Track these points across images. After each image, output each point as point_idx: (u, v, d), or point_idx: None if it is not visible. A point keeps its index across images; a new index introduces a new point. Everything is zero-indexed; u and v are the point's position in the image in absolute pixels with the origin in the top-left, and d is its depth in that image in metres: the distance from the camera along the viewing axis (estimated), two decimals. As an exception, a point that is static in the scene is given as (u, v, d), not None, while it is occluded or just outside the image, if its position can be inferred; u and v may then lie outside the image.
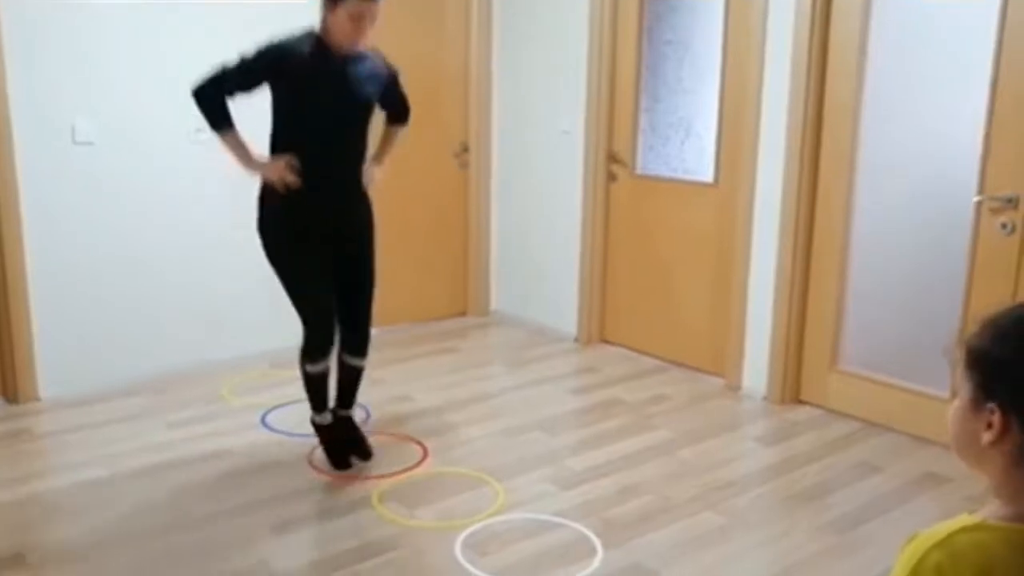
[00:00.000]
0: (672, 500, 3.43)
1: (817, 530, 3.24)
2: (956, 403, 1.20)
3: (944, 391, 3.89)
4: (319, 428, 3.67)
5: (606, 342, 5.26)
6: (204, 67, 4.16)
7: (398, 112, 3.67)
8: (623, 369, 4.88)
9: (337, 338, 3.53)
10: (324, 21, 3.23)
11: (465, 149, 5.60)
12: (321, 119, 3.25)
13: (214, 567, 2.94)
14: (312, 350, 3.46)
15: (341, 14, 3.16)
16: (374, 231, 3.55)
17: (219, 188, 4.55)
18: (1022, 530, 1.13)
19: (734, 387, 4.57)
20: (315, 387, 3.57)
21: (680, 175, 4.83)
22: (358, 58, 3.32)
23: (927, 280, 3.97)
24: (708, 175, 4.66)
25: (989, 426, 1.14)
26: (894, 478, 3.64)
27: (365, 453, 3.67)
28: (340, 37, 3.21)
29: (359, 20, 3.16)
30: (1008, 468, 1.14)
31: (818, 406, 4.33)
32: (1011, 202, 3.59)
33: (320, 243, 3.36)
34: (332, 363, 3.54)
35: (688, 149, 4.80)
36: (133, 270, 4.44)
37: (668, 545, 3.12)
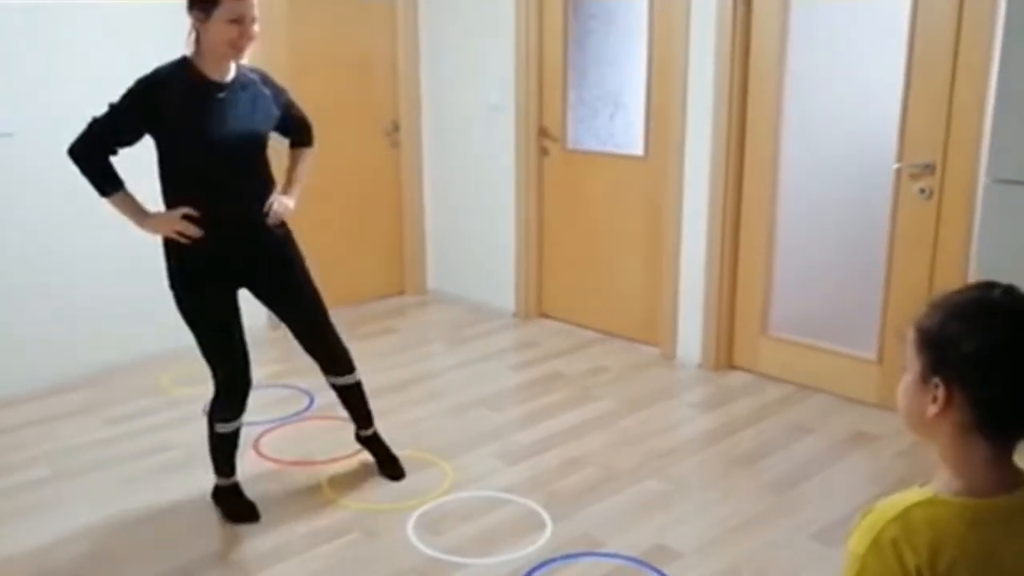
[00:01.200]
0: (616, 470, 3.53)
1: (756, 492, 3.36)
2: (906, 379, 1.28)
3: (870, 352, 4.05)
4: (220, 491, 3.26)
5: (544, 316, 5.34)
6: (130, 56, 4.06)
7: (299, 134, 3.29)
8: (562, 342, 4.96)
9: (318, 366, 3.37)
10: (197, 41, 2.84)
11: (396, 127, 5.59)
12: (208, 160, 2.89)
13: (167, 561, 2.94)
14: (223, 407, 3.13)
15: (217, 23, 2.77)
16: (298, 253, 3.21)
17: (146, 175, 4.47)
18: (971, 504, 1.21)
19: (669, 356, 4.69)
20: (223, 448, 3.21)
21: (610, 149, 4.90)
22: (239, 84, 2.93)
23: (851, 246, 4.11)
24: (638, 148, 4.74)
25: (934, 400, 1.22)
26: (826, 438, 3.79)
27: (397, 473, 3.45)
28: (222, 50, 2.82)
29: (240, 22, 2.77)
30: (954, 441, 1.22)
31: (751, 371, 4.47)
32: (928, 168, 3.74)
33: (230, 290, 3.08)
34: (243, 423, 3.23)
35: (617, 123, 4.87)
36: (60, 263, 4.34)
37: (614, 514, 3.21)
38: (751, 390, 4.30)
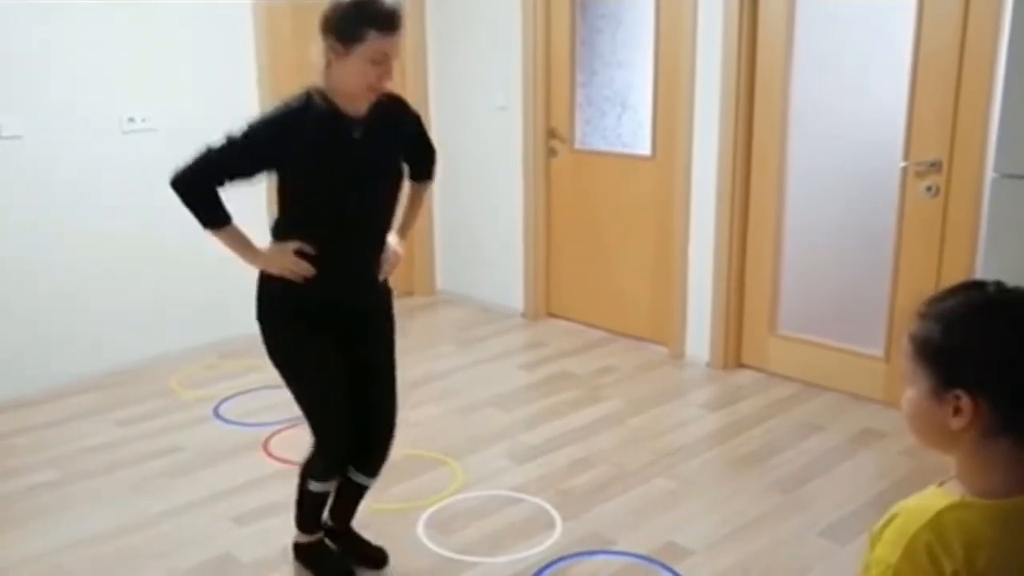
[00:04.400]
0: (625, 468, 3.54)
1: (764, 490, 3.37)
2: (911, 394, 1.24)
3: (877, 350, 4.05)
4: (305, 548, 2.94)
5: (552, 316, 5.35)
6: (133, 60, 4.07)
7: (424, 166, 2.88)
8: (570, 342, 4.97)
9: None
10: (329, 74, 2.49)
11: (403, 130, 5.59)
12: (340, 202, 2.56)
13: (179, 564, 2.96)
14: (323, 466, 2.76)
15: (356, 60, 2.42)
16: (394, 325, 2.86)
17: (153, 177, 4.50)
18: (1001, 505, 1.19)
19: (678, 355, 4.69)
20: (314, 507, 2.87)
21: (618, 149, 4.91)
22: (377, 115, 2.57)
23: (859, 244, 4.11)
24: (646, 148, 4.75)
25: (956, 412, 1.18)
26: (834, 436, 3.79)
27: (379, 562, 2.97)
28: (357, 89, 2.48)
29: (383, 61, 2.43)
30: (978, 447, 1.20)
31: (759, 370, 4.48)
32: (934, 166, 3.74)
33: (335, 338, 2.68)
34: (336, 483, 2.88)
35: (625, 123, 4.88)
36: (70, 266, 4.37)
37: (624, 513, 3.22)
38: (759, 388, 4.30)
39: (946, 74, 3.63)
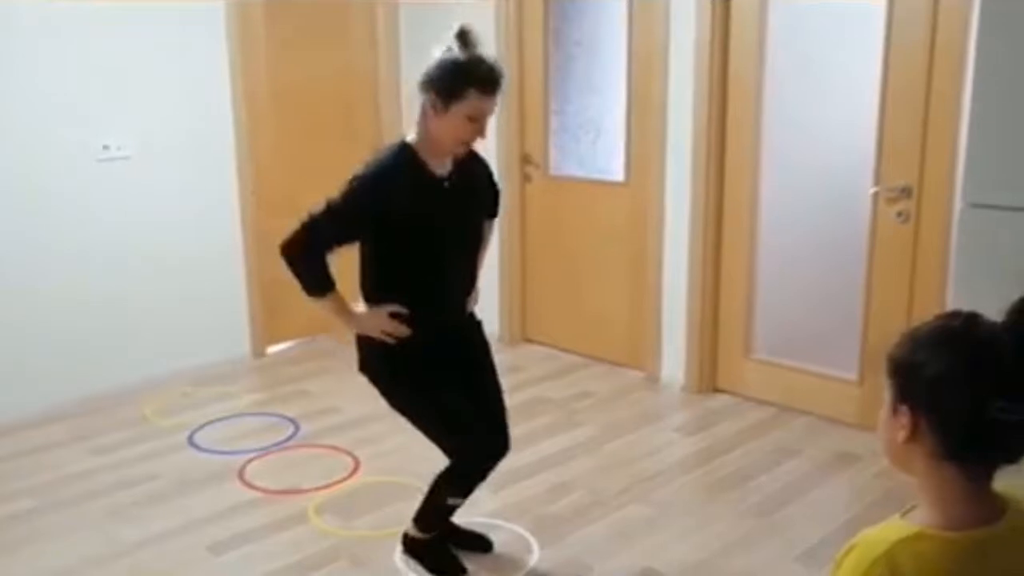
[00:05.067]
0: (602, 494, 3.54)
1: (740, 515, 3.39)
2: (883, 409, 1.31)
3: (851, 374, 4.10)
4: (420, 542, 3.03)
5: (528, 341, 5.36)
6: (109, 81, 4.06)
7: (494, 206, 3.00)
8: (546, 367, 4.98)
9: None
10: (425, 127, 2.59)
11: (378, 155, 5.60)
12: (433, 255, 2.66)
13: (154, 593, 2.94)
14: (467, 481, 2.89)
15: (455, 117, 2.52)
16: (490, 349, 2.99)
17: (125, 206, 4.50)
18: (953, 539, 1.22)
19: (653, 379, 4.72)
20: (442, 516, 3.01)
21: (592, 175, 4.94)
22: (460, 172, 2.69)
23: (831, 269, 4.16)
24: (619, 174, 4.79)
25: (904, 426, 1.25)
26: (809, 460, 3.82)
27: (486, 544, 3.15)
28: (448, 145, 2.60)
29: (480, 119, 2.54)
30: (928, 472, 1.25)
31: (734, 394, 4.50)
32: (905, 191, 3.80)
33: (443, 368, 2.81)
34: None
35: (599, 149, 4.92)
36: (42, 294, 4.32)
37: (601, 538, 3.23)
38: (734, 412, 4.33)
39: (915, 100, 3.69)
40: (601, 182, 4.89)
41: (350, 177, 2.56)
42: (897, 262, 3.85)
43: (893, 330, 1.34)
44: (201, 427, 4.20)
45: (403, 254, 2.64)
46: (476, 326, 2.95)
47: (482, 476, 2.89)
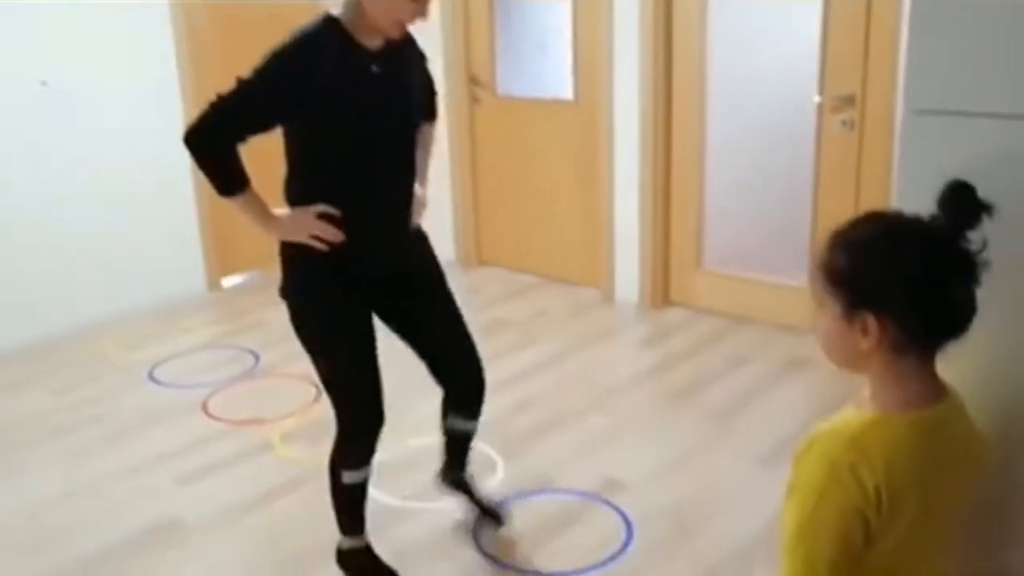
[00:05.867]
0: (563, 409, 3.62)
1: (698, 422, 3.49)
2: (824, 321, 1.33)
3: (801, 281, 4.18)
4: (349, 555, 2.66)
5: (484, 264, 5.38)
6: (48, 14, 3.91)
7: (430, 105, 2.62)
8: (503, 288, 5.03)
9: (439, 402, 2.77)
10: (357, 3, 2.22)
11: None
12: (364, 145, 2.30)
13: (125, 527, 2.96)
14: (355, 452, 2.54)
15: None
16: (441, 269, 2.64)
17: (70, 142, 4.40)
18: (918, 417, 1.28)
19: (608, 296, 4.78)
20: (352, 501, 2.61)
21: (541, 94, 4.92)
22: (397, 49, 2.32)
23: (778, 179, 4.22)
24: (568, 92, 4.77)
25: (864, 333, 1.27)
26: (762, 366, 3.93)
27: (498, 518, 2.87)
28: (385, 26, 2.24)
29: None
30: (887, 364, 1.29)
31: (688, 306, 4.59)
32: (848, 100, 3.84)
33: (368, 309, 2.46)
34: (372, 470, 2.64)
35: (547, 68, 4.89)
36: (-8, 235, 4.26)
37: (564, 452, 3.31)
38: (689, 325, 4.41)
39: (856, 8, 3.72)
40: (550, 101, 4.88)
41: (266, 53, 2.19)
42: (842, 169, 3.92)
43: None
44: (161, 362, 4.19)
45: (325, 150, 2.30)
46: (421, 244, 2.60)
47: (373, 449, 2.58)
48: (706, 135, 4.35)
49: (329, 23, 2.23)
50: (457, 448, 2.87)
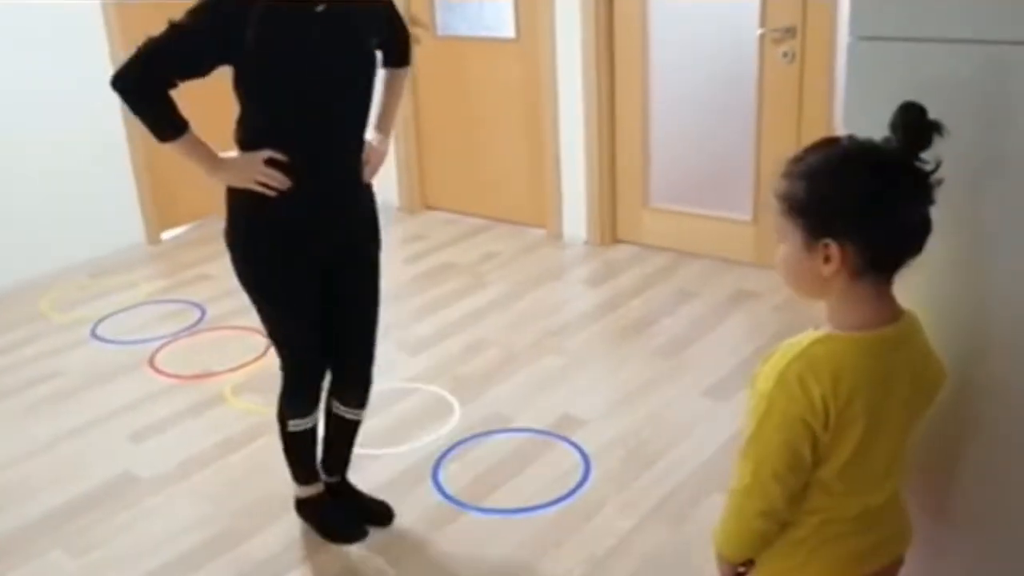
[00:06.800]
0: (515, 350, 3.64)
1: (648, 357, 3.53)
2: (784, 250, 1.34)
3: (745, 215, 4.24)
4: (306, 503, 2.66)
5: (429, 208, 5.34)
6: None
7: (398, 50, 2.48)
8: (450, 232, 5.00)
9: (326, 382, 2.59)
10: None
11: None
12: (308, 86, 2.19)
13: (79, 485, 2.92)
14: (299, 401, 2.50)
15: None
16: (380, 244, 2.51)
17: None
18: (865, 336, 1.31)
19: (556, 236, 4.79)
20: (300, 449, 2.59)
21: (482, 33, 4.85)
22: None
23: (722, 113, 4.23)
24: (509, 31, 4.71)
25: (826, 260, 1.28)
26: (709, 300, 3.98)
27: (383, 517, 2.70)
28: None
29: None
30: (845, 289, 1.31)
31: (635, 243, 4.62)
32: (789, 31, 3.86)
33: (313, 258, 2.36)
34: (320, 416, 2.60)
35: (487, 6, 4.82)
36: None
37: (518, 392, 3.33)
38: (636, 261, 4.45)
39: (796, -60, 3.72)
40: (491, 40, 4.81)
41: None
42: (785, 101, 3.95)
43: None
44: (103, 319, 4.11)
45: (268, 94, 2.20)
46: (369, 207, 2.46)
47: (318, 397, 2.54)
48: (649, 72, 4.33)
49: None
50: (345, 438, 2.68)
